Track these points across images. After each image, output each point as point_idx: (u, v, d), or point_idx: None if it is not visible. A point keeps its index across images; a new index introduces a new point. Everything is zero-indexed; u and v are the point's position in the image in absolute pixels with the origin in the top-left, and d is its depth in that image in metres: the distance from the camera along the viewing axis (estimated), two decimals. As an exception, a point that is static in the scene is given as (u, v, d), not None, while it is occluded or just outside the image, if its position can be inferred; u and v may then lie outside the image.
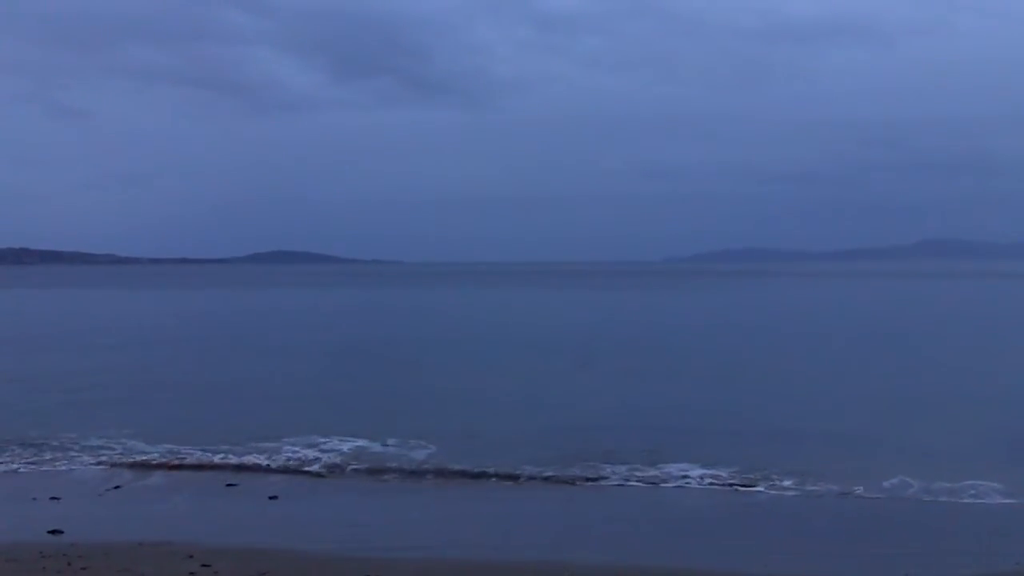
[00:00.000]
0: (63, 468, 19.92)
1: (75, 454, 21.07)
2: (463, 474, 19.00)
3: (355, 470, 19.71)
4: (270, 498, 17.48)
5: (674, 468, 19.16)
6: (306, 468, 19.84)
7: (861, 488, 17.75)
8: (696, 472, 18.87)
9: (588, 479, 18.55)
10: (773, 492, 17.63)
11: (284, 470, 19.74)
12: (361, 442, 21.76)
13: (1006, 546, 14.37)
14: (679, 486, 18.13)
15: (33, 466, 20.15)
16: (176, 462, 20.26)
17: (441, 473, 19.12)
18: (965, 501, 17.01)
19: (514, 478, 18.61)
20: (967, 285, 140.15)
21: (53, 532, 14.67)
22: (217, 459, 20.42)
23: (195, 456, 20.68)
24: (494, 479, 18.63)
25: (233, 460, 20.32)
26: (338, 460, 20.41)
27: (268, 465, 20.01)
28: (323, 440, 21.96)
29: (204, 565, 12.80)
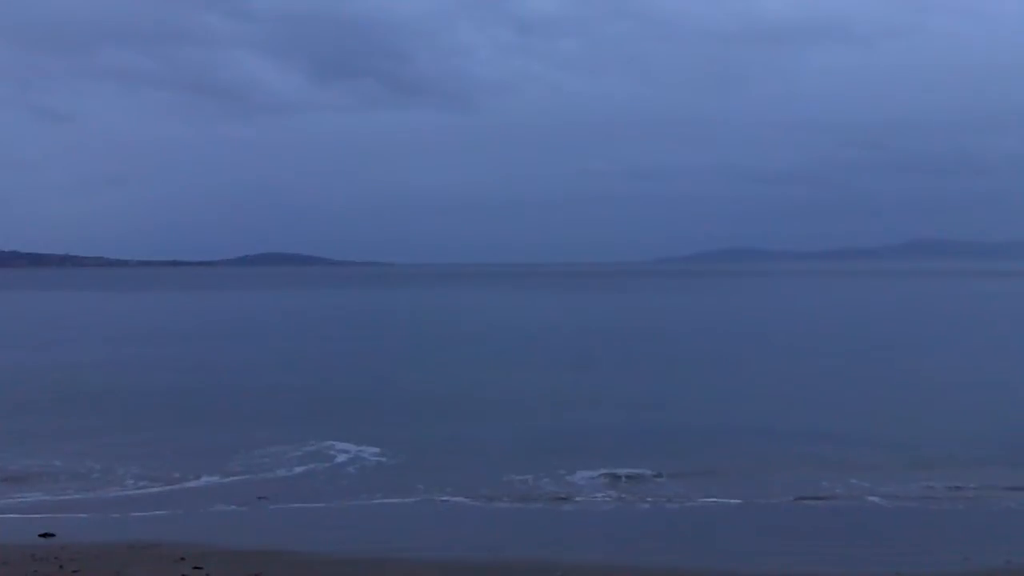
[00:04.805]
0: (54, 471, 19.81)
1: (66, 458, 20.96)
2: (451, 477, 18.98)
3: (344, 473, 19.70)
4: (259, 498, 17.45)
5: (664, 471, 19.24)
6: (296, 471, 19.84)
7: (854, 487, 17.82)
8: (688, 473, 18.98)
9: (569, 484, 18.57)
10: (762, 491, 17.65)
11: (274, 473, 19.70)
12: (349, 445, 21.77)
13: (997, 543, 14.44)
14: (665, 485, 18.19)
15: (25, 469, 20.04)
16: (166, 465, 20.19)
17: (429, 476, 19.08)
18: (956, 499, 17.09)
19: (500, 484, 18.59)
20: (956, 283, 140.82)
21: (44, 535, 14.60)
22: (207, 462, 20.34)
23: (185, 460, 20.61)
24: (482, 483, 18.59)
25: (223, 463, 20.25)
26: (328, 463, 20.43)
27: (259, 468, 19.97)
28: (314, 443, 21.97)
29: (196, 567, 12.78)
